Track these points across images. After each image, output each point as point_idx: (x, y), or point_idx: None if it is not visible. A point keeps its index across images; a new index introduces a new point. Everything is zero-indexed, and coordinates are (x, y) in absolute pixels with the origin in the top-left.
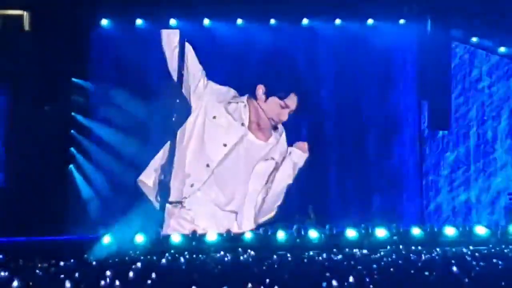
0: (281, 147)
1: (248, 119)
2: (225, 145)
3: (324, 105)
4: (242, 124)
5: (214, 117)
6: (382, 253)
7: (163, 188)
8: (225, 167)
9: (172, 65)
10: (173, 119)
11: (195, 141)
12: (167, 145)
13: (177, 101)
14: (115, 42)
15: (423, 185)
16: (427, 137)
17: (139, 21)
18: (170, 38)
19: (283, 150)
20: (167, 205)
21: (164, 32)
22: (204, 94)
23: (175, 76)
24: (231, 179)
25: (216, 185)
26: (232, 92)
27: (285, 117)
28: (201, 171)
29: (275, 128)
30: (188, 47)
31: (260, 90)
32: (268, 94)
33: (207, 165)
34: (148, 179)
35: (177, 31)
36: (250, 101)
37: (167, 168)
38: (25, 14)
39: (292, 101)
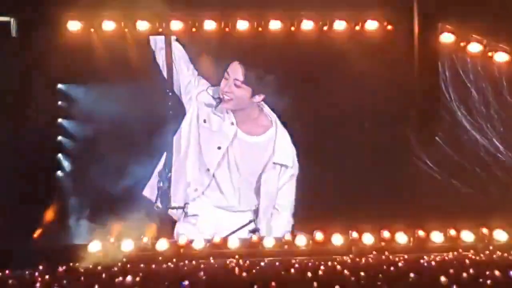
0: (284, 143)
1: (233, 115)
2: (219, 148)
3: (315, 108)
4: (232, 124)
5: (204, 121)
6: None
7: (163, 195)
8: (224, 170)
9: (161, 66)
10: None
11: (193, 147)
12: (165, 153)
13: (169, 93)
14: (92, 45)
15: (413, 192)
16: (416, 143)
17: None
18: (156, 41)
19: (287, 148)
20: (170, 211)
21: (151, 38)
22: (195, 93)
23: (165, 75)
24: (232, 182)
25: (218, 189)
26: None
27: (225, 87)
28: (202, 176)
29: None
30: (176, 45)
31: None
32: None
33: (208, 170)
34: (149, 191)
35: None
36: None
37: (164, 175)
38: (12, 20)
39: (232, 69)
